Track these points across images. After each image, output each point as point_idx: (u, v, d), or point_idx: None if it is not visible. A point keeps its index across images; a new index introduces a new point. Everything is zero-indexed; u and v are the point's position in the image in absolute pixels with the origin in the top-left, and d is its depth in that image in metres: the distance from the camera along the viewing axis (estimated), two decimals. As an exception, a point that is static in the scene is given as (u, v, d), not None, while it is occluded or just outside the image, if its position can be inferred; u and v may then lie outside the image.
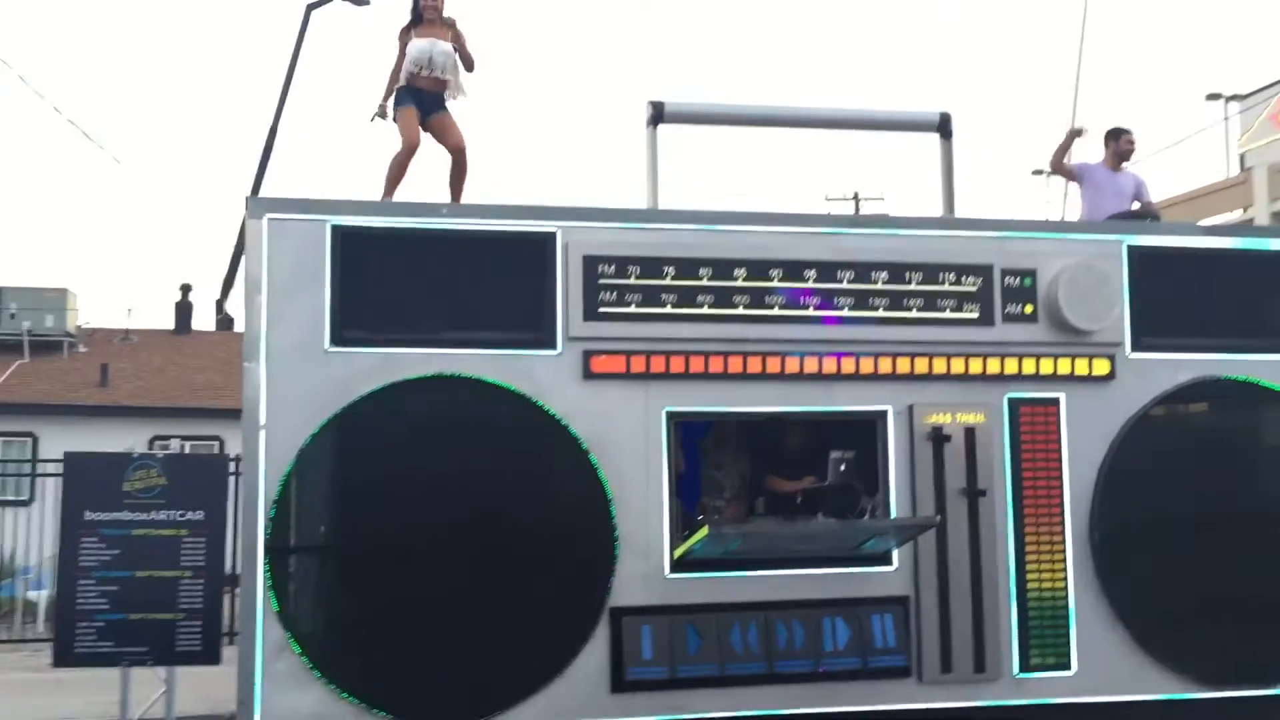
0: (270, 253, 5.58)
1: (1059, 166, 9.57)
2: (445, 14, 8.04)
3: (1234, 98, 33.91)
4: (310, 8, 29.59)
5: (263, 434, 5.48)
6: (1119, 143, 9.15)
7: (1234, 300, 6.49)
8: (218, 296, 26.01)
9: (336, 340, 5.58)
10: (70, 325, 21.92)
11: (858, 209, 32.66)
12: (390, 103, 7.94)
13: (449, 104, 8.06)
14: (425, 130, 7.95)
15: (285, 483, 5.45)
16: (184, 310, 24.22)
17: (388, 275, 5.70)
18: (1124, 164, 9.22)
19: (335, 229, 5.63)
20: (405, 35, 7.99)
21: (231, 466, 8.25)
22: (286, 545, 5.46)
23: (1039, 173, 35.43)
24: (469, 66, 8.02)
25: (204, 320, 25.31)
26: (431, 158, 8.10)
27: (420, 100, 7.88)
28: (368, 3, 31.28)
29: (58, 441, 16.98)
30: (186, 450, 16.16)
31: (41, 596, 13.64)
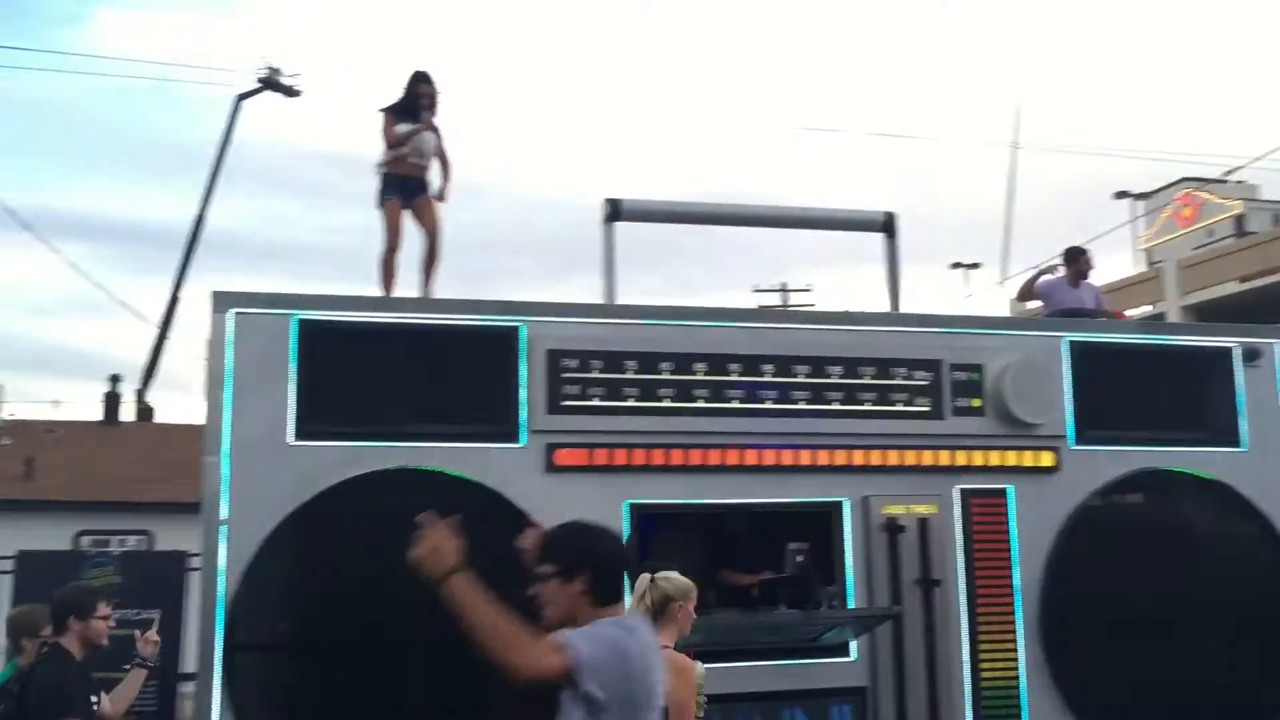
0: (235, 347, 5.58)
1: (1028, 294, 10.26)
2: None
3: (1140, 196, 35.10)
4: (240, 97, 29.71)
5: (223, 529, 5.44)
6: (1079, 263, 9.74)
7: (1171, 393, 6.75)
8: (137, 386, 25.61)
9: (300, 434, 5.58)
10: (-6, 419, 21.37)
11: (785, 300, 33.17)
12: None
13: (430, 189, 8.01)
14: (410, 213, 7.88)
15: (245, 579, 5.38)
16: (112, 401, 23.72)
17: (352, 369, 5.73)
18: (1082, 280, 9.76)
19: (301, 323, 5.66)
20: (391, 119, 7.87)
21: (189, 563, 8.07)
22: (245, 643, 5.38)
23: (956, 266, 36.47)
24: (445, 168, 8.02)
25: (133, 411, 24.77)
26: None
27: (403, 187, 7.84)
28: (299, 94, 31.62)
29: (-22, 537, 16.43)
30: (127, 546, 15.67)
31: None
